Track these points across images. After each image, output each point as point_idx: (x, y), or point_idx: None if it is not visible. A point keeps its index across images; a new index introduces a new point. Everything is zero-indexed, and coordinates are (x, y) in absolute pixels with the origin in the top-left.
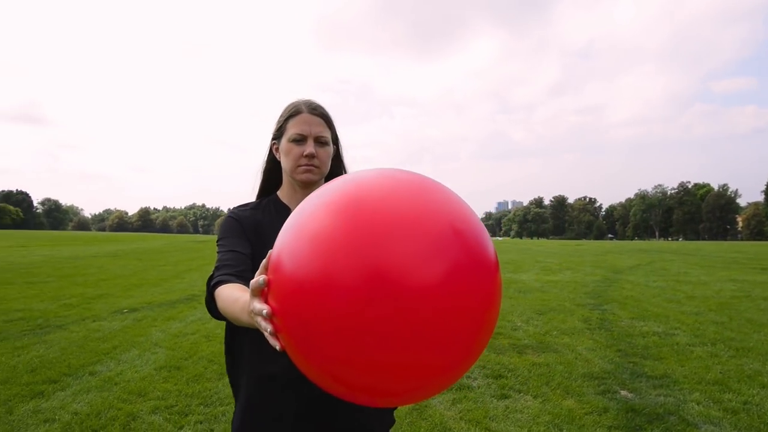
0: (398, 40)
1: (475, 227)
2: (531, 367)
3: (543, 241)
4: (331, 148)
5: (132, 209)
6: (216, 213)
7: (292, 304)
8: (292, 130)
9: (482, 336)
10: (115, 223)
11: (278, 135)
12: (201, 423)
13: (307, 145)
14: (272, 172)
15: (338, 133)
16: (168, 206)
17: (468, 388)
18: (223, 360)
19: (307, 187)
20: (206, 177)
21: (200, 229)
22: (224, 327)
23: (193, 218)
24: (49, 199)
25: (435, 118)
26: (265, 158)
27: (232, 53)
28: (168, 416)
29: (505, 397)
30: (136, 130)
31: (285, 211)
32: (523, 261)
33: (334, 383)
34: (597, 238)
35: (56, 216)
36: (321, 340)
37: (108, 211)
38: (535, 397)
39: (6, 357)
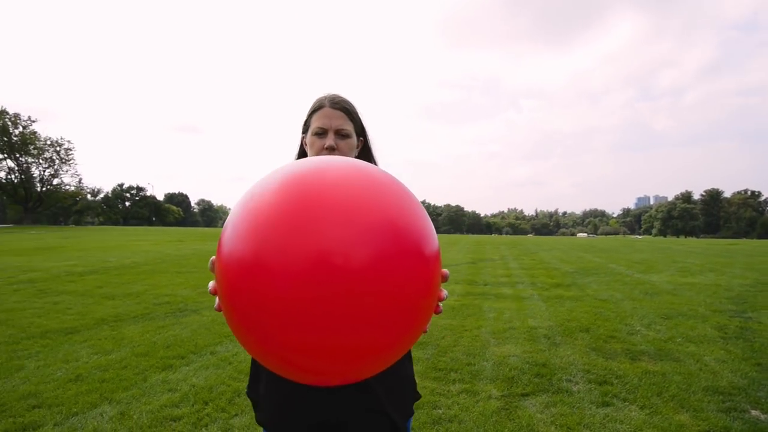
0: (525, 31)
1: (411, 220)
2: (643, 375)
3: (687, 240)
4: (353, 140)
5: None
6: None
7: (221, 283)
8: (314, 124)
9: (408, 321)
10: None
11: (305, 129)
12: None
13: (327, 138)
14: None
15: (365, 126)
16: None
17: (566, 391)
18: None
19: None
20: None
21: None
22: None
23: None
24: (203, 200)
25: (565, 108)
26: (297, 152)
27: (363, 59)
28: None
29: (606, 404)
30: (275, 136)
31: None
32: (657, 261)
33: (261, 356)
34: (762, 236)
35: (209, 214)
36: (244, 321)
37: None
38: (641, 408)
39: (150, 334)
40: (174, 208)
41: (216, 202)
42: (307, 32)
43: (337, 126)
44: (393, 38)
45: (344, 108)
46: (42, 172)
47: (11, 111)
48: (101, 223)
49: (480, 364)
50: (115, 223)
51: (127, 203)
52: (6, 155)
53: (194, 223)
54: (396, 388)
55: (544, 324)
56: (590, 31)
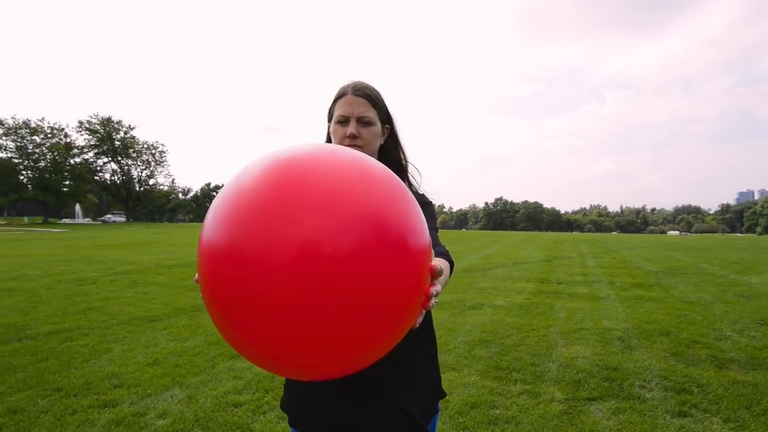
0: (609, 19)
1: (397, 212)
2: (730, 385)
3: None
4: (377, 128)
5: None
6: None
7: (199, 273)
8: (337, 111)
9: (390, 315)
10: None
11: (329, 118)
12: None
13: (349, 126)
14: None
15: (392, 114)
16: None
17: (637, 398)
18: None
19: None
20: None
21: None
22: None
23: None
24: None
25: (654, 98)
26: (324, 142)
27: (435, 55)
28: None
29: (683, 414)
30: None
31: None
32: (758, 261)
33: (238, 348)
34: None
35: None
36: (217, 312)
37: None
38: (725, 421)
39: None
40: None
41: None
42: (378, 29)
43: (359, 113)
44: (466, 34)
45: (367, 95)
46: (140, 173)
47: (115, 118)
48: (191, 221)
49: (545, 365)
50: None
51: None
52: (110, 158)
53: None
54: (416, 386)
55: (619, 325)
56: (683, 15)
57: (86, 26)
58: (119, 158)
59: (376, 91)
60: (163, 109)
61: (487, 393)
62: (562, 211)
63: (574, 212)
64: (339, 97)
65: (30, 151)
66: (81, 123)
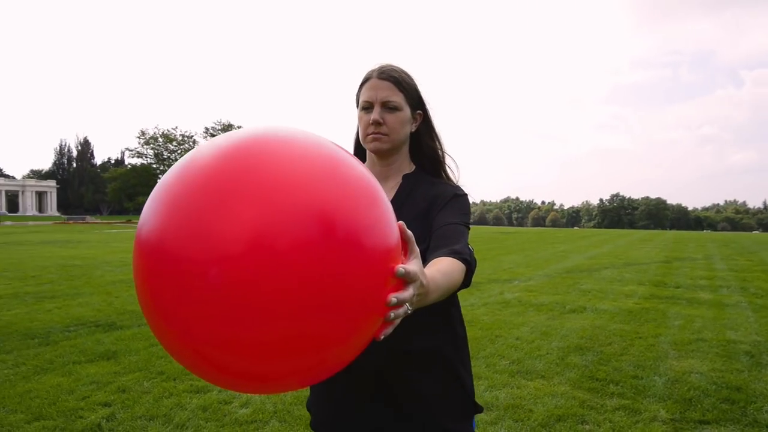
0: None
1: (351, 208)
2: None
3: None
4: (404, 113)
5: None
6: (529, 206)
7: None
8: (362, 97)
9: (333, 319)
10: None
11: (357, 104)
12: None
13: (373, 111)
14: (360, 145)
15: (425, 97)
16: (485, 200)
17: (765, 425)
18: (472, 344)
19: (382, 157)
20: (520, 171)
21: (514, 221)
22: None
23: (508, 211)
24: None
25: None
26: (356, 131)
27: (544, 43)
28: None
29: None
30: (455, 128)
31: None
32: None
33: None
34: None
35: None
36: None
37: None
38: None
39: None
40: None
41: None
42: (478, 16)
43: (383, 98)
44: (573, 21)
45: (393, 77)
46: None
47: (235, 123)
48: None
49: (650, 379)
50: None
51: None
52: None
53: None
54: (439, 397)
55: (747, 338)
56: None
57: (214, 44)
58: None
59: (405, 74)
60: (275, 111)
61: (578, 405)
62: (689, 208)
63: (705, 209)
64: (364, 81)
65: (165, 157)
66: (207, 129)
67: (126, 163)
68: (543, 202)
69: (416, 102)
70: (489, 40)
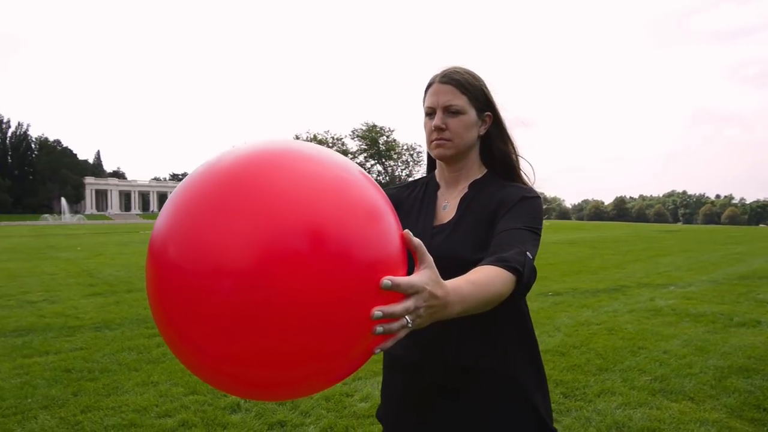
0: None
1: (347, 226)
2: None
3: None
4: (468, 117)
5: (608, 198)
6: (700, 200)
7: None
8: (425, 104)
9: (316, 331)
10: (591, 212)
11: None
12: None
13: (435, 117)
14: None
15: (494, 99)
16: (644, 194)
17: None
18: (609, 355)
19: (448, 163)
20: (688, 161)
21: (680, 218)
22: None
23: (672, 206)
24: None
25: None
26: None
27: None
28: None
29: None
30: (606, 122)
31: (433, 191)
32: None
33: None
34: None
35: (544, 207)
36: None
37: (586, 201)
38: None
39: None
40: None
41: (549, 194)
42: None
43: (445, 102)
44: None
45: (455, 80)
46: (401, 173)
47: (379, 124)
48: None
49: None
50: None
51: None
52: (376, 161)
53: None
54: (507, 419)
55: None
56: None
57: (361, 50)
58: (383, 160)
59: (469, 75)
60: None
61: None
62: None
63: None
64: (427, 87)
65: None
66: (354, 131)
67: None
68: (717, 196)
69: (483, 104)
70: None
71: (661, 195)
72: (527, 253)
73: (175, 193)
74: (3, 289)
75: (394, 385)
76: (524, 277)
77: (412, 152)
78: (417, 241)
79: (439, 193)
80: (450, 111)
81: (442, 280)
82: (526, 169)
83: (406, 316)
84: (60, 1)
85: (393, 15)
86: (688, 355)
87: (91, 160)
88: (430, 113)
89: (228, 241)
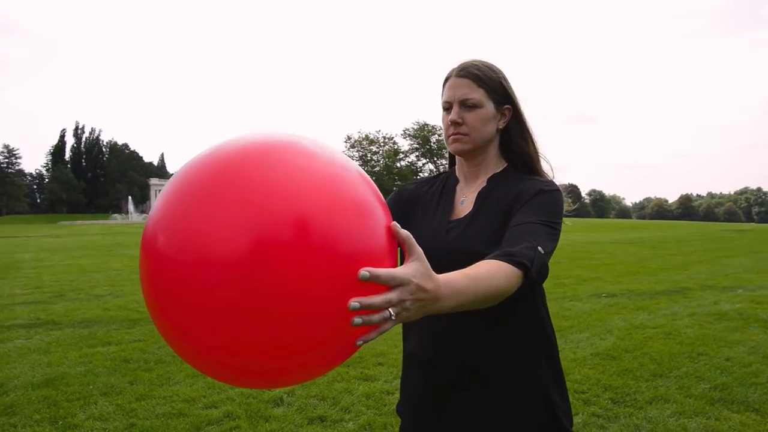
0: None
1: (330, 217)
2: None
3: None
4: (485, 110)
5: (672, 197)
6: None
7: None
8: (442, 99)
9: (291, 324)
10: (654, 210)
11: None
12: (594, 416)
13: (452, 112)
14: None
15: (513, 92)
16: (713, 192)
17: None
18: (664, 360)
19: (467, 158)
20: (763, 156)
21: (755, 216)
22: None
23: (745, 204)
24: (594, 190)
25: None
26: None
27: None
28: (572, 400)
29: None
30: (672, 116)
31: (452, 185)
32: None
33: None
34: None
35: (600, 205)
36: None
37: (648, 200)
38: None
39: None
40: (567, 199)
41: (608, 191)
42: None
43: (461, 96)
44: None
45: (471, 73)
46: None
47: (430, 123)
48: None
49: None
50: None
51: None
52: (428, 159)
53: (585, 214)
54: (521, 422)
55: None
56: None
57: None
58: (435, 159)
59: (487, 68)
60: None
61: None
62: None
63: None
64: (445, 81)
65: (368, 159)
66: (405, 130)
67: None
68: None
69: (502, 97)
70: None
71: (732, 192)
72: (538, 247)
73: (169, 182)
74: (75, 284)
75: (411, 380)
76: (532, 272)
77: None
78: (405, 233)
79: (458, 187)
80: (466, 105)
81: (433, 273)
82: (545, 166)
83: (390, 309)
84: (125, 16)
85: (443, 14)
86: (755, 363)
87: (155, 163)
88: (447, 108)
89: (214, 231)
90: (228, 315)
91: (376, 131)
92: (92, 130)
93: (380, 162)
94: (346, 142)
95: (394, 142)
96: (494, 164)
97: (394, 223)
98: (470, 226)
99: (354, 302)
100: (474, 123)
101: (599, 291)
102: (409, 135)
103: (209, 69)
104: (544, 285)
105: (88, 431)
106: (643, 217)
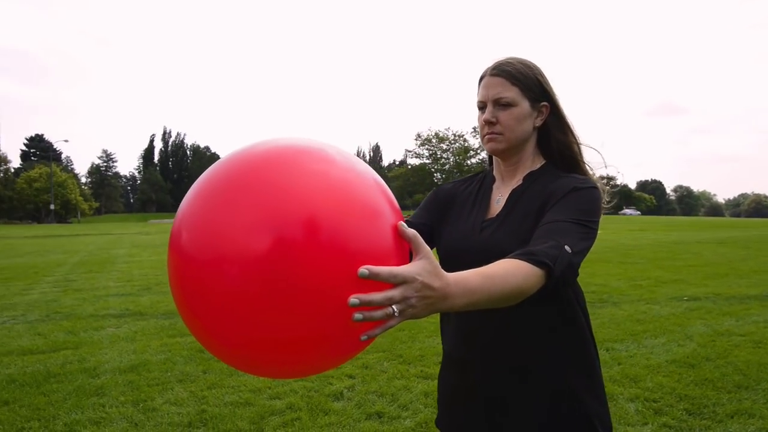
0: None
1: (339, 218)
2: None
3: None
4: (519, 109)
5: None
6: None
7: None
8: (477, 98)
9: (299, 320)
10: (751, 207)
11: None
12: (665, 427)
13: (486, 111)
14: None
15: (551, 88)
16: None
17: None
18: (751, 371)
19: (503, 158)
20: None
21: None
22: None
23: None
24: (681, 186)
25: None
26: None
27: None
28: (642, 409)
29: None
30: None
31: (489, 185)
32: None
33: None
34: None
35: (687, 202)
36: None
37: (744, 195)
38: None
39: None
40: (646, 196)
41: (696, 187)
42: None
43: (495, 95)
44: None
45: (505, 72)
46: None
47: None
48: None
49: None
50: None
51: None
52: None
53: (670, 211)
54: (555, 427)
55: None
56: None
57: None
58: None
59: (521, 65)
60: None
61: None
62: None
63: None
64: (479, 80)
65: (438, 156)
66: (475, 128)
67: (407, 163)
68: None
69: (538, 94)
70: None
71: None
72: (565, 246)
73: (197, 181)
74: (160, 278)
75: (445, 380)
76: (554, 272)
77: None
78: (411, 232)
79: (495, 186)
80: (500, 104)
81: (441, 270)
82: (592, 157)
83: (393, 306)
84: (205, 28)
85: (513, 8)
86: None
87: None
88: (481, 107)
89: (228, 231)
90: (242, 311)
91: (446, 129)
92: (177, 135)
93: (450, 159)
94: (416, 139)
95: (465, 140)
96: (531, 162)
97: (401, 222)
98: (502, 225)
99: (353, 298)
100: (508, 122)
101: (681, 294)
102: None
103: (286, 73)
104: (586, 289)
105: (165, 414)
106: (737, 215)
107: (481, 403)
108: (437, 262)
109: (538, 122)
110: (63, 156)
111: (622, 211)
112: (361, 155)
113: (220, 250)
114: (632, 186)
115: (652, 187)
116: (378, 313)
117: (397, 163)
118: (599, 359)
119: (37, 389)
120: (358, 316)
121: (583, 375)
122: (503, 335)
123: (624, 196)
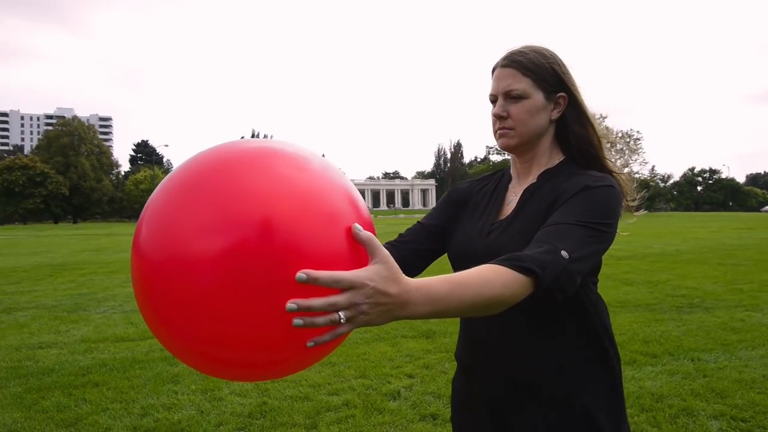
0: None
1: (300, 219)
2: None
3: None
4: (531, 101)
5: None
6: None
7: None
8: (490, 91)
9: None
10: None
11: None
12: None
13: (496, 105)
14: None
15: (568, 78)
16: None
17: None
18: None
19: (517, 154)
20: None
21: None
22: None
23: None
24: None
25: None
26: None
27: None
28: (726, 428)
29: None
30: None
31: (505, 184)
32: None
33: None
34: None
35: None
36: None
37: None
38: None
39: (651, 325)
40: (757, 190)
41: None
42: None
43: (505, 87)
44: None
45: (516, 62)
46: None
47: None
48: (672, 209)
49: None
50: (686, 208)
51: (699, 188)
52: None
53: None
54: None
55: None
56: None
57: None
58: None
59: (536, 54)
60: (645, 95)
61: None
62: None
63: None
64: (492, 73)
65: None
66: None
67: (489, 159)
68: None
69: (554, 85)
70: None
71: None
72: (561, 252)
73: (164, 179)
74: None
75: (455, 387)
76: (543, 279)
77: (628, 139)
78: (365, 234)
79: (510, 185)
80: (511, 96)
81: (401, 276)
82: (610, 154)
83: (340, 312)
84: (289, 37)
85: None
86: None
87: None
88: (493, 100)
89: (179, 231)
90: (189, 310)
91: None
92: (266, 137)
93: None
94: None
95: None
96: (548, 159)
97: (355, 224)
98: (510, 227)
99: (291, 303)
100: (520, 115)
101: None
102: None
103: (371, 74)
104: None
105: (228, 404)
106: None
107: (486, 413)
108: (396, 267)
109: (555, 115)
110: (164, 159)
111: (764, 209)
112: (443, 153)
113: (170, 251)
114: (740, 180)
115: (765, 181)
116: (321, 319)
117: (478, 160)
118: (621, 376)
119: (123, 374)
120: (297, 321)
121: (599, 393)
122: (506, 345)
123: (732, 191)
